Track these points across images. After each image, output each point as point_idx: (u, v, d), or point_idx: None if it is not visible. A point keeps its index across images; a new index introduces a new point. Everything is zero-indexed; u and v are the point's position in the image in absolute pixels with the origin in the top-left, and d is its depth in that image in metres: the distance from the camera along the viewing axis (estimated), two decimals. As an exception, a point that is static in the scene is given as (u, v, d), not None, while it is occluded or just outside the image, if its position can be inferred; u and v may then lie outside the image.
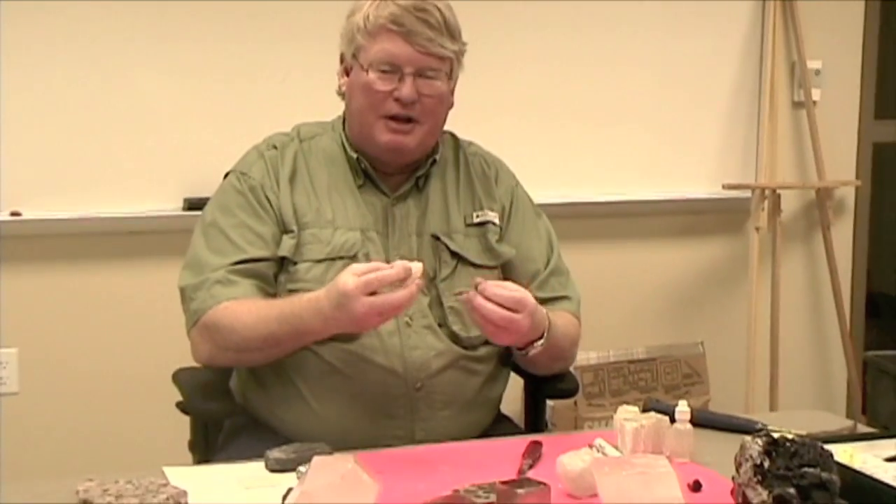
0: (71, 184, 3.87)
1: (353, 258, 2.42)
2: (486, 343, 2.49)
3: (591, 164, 4.43)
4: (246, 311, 2.35)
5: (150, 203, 3.94)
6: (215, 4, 3.93)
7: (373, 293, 2.16)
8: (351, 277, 2.18)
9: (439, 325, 2.46)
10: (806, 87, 4.62)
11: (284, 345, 2.34)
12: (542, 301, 2.52)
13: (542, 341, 2.38)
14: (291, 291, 2.41)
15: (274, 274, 2.45)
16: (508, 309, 2.25)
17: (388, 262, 2.42)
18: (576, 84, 4.38)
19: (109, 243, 3.94)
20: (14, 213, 3.80)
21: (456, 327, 2.47)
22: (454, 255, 2.51)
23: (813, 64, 4.64)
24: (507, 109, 4.20)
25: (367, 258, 2.43)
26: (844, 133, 4.79)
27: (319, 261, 2.42)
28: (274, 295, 2.44)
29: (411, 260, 2.34)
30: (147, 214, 3.92)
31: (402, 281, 2.17)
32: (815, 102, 4.64)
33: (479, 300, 2.24)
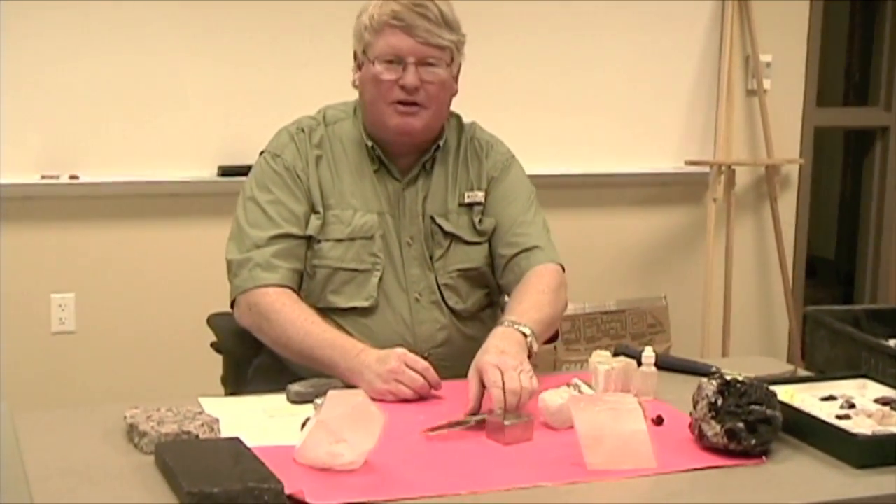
0: (121, 152, 3.87)
1: (371, 239, 2.37)
2: (480, 310, 2.47)
3: (575, 143, 4.44)
4: (301, 316, 2.30)
5: (189, 169, 3.94)
6: (248, -2, 3.93)
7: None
8: (406, 352, 2.17)
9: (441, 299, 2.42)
10: (758, 77, 4.61)
11: (313, 362, 2.27)
12: (514, 256, 2.42)
13: (535, 348, 2.24)
14: (315, 267, 2.37)
15: (305, 251, 2.38)
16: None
17: (399, 242, 2.40)
18: (563, 76, 4.39)
19: (154, 204, 3.93)
20: (72, 177, 3.80)
21: (451, 302, 2.42)
22: (447, 235, 2.43)
23: (764, 57, 4.63)
24: (507, 97, 4.23)
25: (383, 238, 2.38)
26: (790, 118, 4.78)
27: (340, 240, 2.37)
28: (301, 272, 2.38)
29: (419, 240, 2.37)
30: (186, 179, 3.93)
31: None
32: (765, 91, 4.64)
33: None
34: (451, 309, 2.42)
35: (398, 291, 2.39)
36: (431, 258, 2.42)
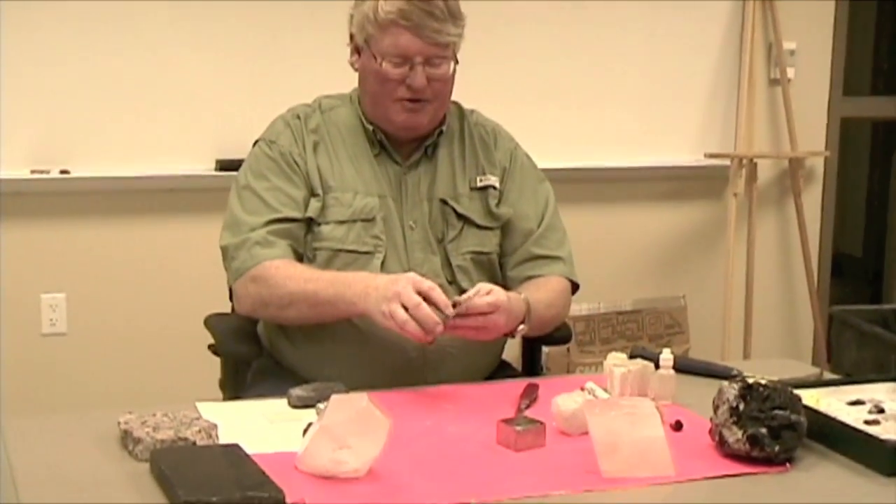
0: (114, 146, 3.88)
1: (372, 221, 2.41)
2: None
3: (590, 135, 4.44)
4: (299, 269, 2.35)
5: (186, 164, 3.95)
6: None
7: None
8: (414, 274, 2.21)
9: (449, 283, 2.44)
10: (781, 65, 4.60)
11: (322, 307, 2.30)
12: (537, 258, 2.52)
13: (523, 325, 2.34)
14: (316, 250, 2.40)
15: (303, 234, 2.42)
16: (485, 313, 2.22)
17: (402, 226, 2.44)
18: (579, 67, 4.40)
19: (149, 199, 3.94)
20: (63, 172, 3.81)
21: (464, 284, 2.44)
22: (460, 217, 2.48)
23: (788, 45, 4.62)
24: (522, 90, 4.23)
25: (385, 221, 2.42)
26: (815, 108, 4.77)
27: (341, 222, 2.40)
28: (302, 255, 2.42)
29: (423, 224, 2.41)
30: (183, 174, 3.94)
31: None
32: (789, 80, 4.62)
33: (454, 322, 2.19)
34: (462, 292, 2.43)
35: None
36: (442, 241, 2.46)
